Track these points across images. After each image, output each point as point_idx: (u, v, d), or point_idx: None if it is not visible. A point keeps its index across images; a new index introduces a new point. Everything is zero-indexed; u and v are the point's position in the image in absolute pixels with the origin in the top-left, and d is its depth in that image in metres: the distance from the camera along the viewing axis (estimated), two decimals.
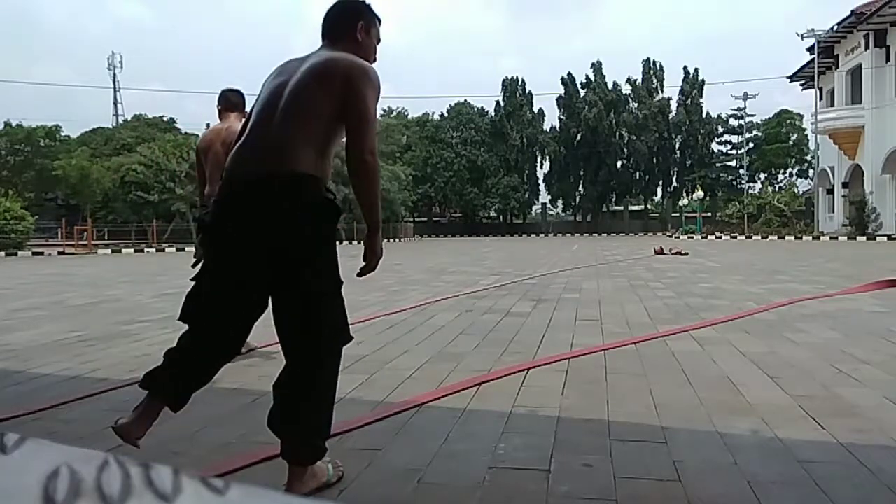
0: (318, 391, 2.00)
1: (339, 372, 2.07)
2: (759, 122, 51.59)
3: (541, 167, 56.41)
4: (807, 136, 45.88)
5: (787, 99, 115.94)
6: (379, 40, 2.23)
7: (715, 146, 53.89)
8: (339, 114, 1.96)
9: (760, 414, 2.67)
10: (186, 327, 2.10)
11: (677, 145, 54.26)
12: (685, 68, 53.58)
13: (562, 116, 54.92)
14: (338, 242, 2.09)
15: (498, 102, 54.78)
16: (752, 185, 49.02)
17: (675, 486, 1.97)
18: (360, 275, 2.14)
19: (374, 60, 2.17)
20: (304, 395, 1.98)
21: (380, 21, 2.23)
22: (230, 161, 2.03)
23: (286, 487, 1.95)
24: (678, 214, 47.12)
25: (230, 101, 4.39)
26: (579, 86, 54.45)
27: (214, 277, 2.03)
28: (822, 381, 3.22)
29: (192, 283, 2.15)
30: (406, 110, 55.08)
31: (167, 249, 28.36)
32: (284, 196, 1.89)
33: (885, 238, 26.97)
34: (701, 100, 53.24)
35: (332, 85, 1.95)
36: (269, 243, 1.91)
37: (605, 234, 48.51)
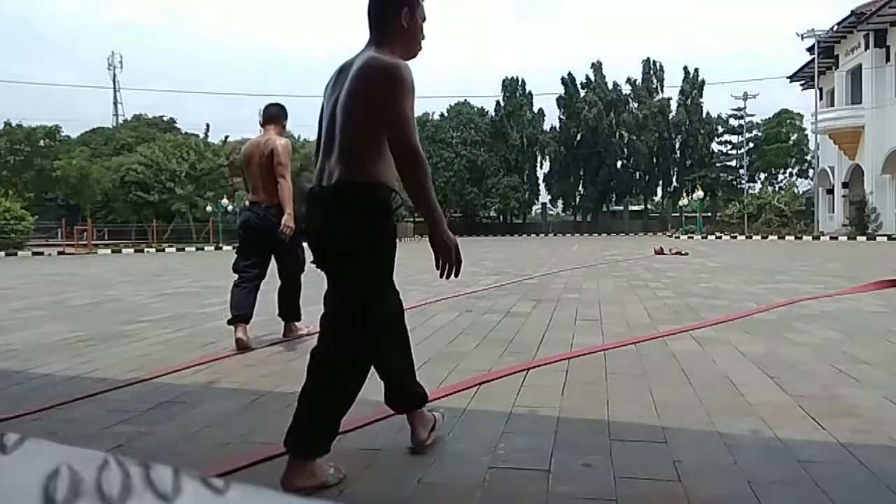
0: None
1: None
2: (759, 122, 51.60)
3: (541, 167, 56.42)
4: (807, 136, 45.90)
5: (787, 99, 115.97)
6: (424, 18, 2.26)
7: (715, 146, 53.88)
8: (375, 120, 2.03)
9: (760, 414, 2.67)
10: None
11: (677, 145, 54.24)
12: (685, 68, 53.59)
13: (562, 116, 54.91)
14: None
15: (498, 102, 54.79)
16: (752, 185, 49.01)
17: (675, 486, 1.97)
18: (441, 275, 2.08)
19: (423, 38, 2.25)
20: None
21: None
22: (315, 174, 2.20)
23: (282, 480, 1.99)
24: (678, 214, 47.10)
25: (270, 114, 4.72)
26: (579, 86, 54.43)
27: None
28: (822, 381, 3.22)
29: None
30: None
31: (167, 249, 28.35)
32: (339, 201, 2.02)
33: (885, 238, 26.96)
34: (701, 100, 53.21)
35: (364, 97, 2.03)
36: (330, 247, 2.08)
37: (605, 234, 48.51)
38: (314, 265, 2.24)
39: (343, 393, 2.14)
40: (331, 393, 2.12)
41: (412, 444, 2.32)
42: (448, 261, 2.05)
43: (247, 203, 4.87)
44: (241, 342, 4.27)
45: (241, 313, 4.38)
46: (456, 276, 2.08)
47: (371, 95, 2.02)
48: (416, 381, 2.36)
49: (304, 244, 2.29)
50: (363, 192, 2.03)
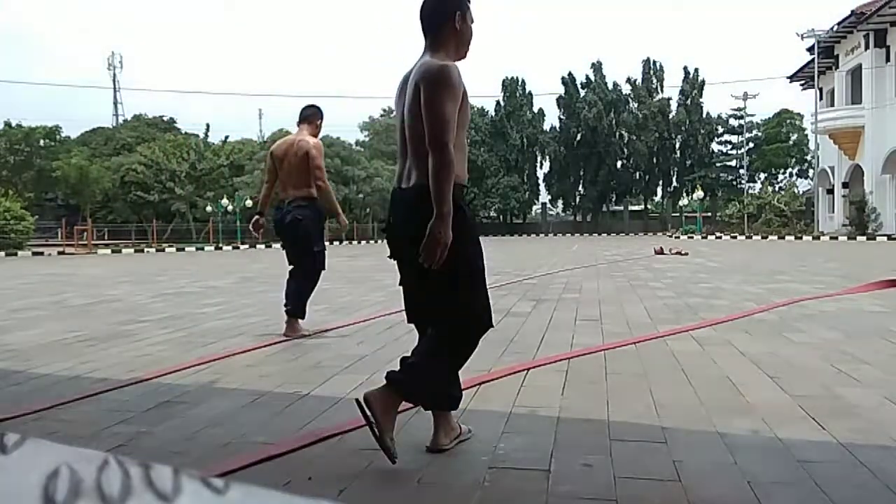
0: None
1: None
2: (759, 122, 51.56)
3: (541, 167, 56.40)
4: (807, 136, 45.84)
5: (787, 99, 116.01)
6: (473, 20, 2.39)
7: (715, 146, 53.87)
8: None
9: (760, 414, 2.67)
10: None
11: (677, 145, 54.23)
12: (685, 68, 53.59)
13: (562, 116, 54.90)
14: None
15: (498, 102, 54.76)
16: (752, 185, 48.98)
17: (675, 486, 1.97)
18: (421, 258, 2.17)
19: (471, 36, 2.38)
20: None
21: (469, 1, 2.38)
22: (395, 177, 2.43)
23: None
24: (678, 214, 47.12)
25: (303, 114, 4.97)
26: (579, 86, 54.42)
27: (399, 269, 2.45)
28: (822, 381, 3.22)
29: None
30: None
31: (167, 249, 28.35)
32: (418, 202, 2.19)
33: (885, 238, 26.96)
34: (701, 100, 53.21)
35: (419, 101, 2.21)
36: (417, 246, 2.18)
37: (605, 234, 48.51)
38: (390, 259, 2.43)
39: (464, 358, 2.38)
40: (459, 360, 2.38)
41: (429, 446, 2.30)
42: (432, 249, 2.13)
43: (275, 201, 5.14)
44: (289, 335, 4.69)
45: (287, 306, 4.79)
46: (428, 265, 2.16)
47: (421, 98, 2.19)
48: (458, 381, 2.40)
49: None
50: None
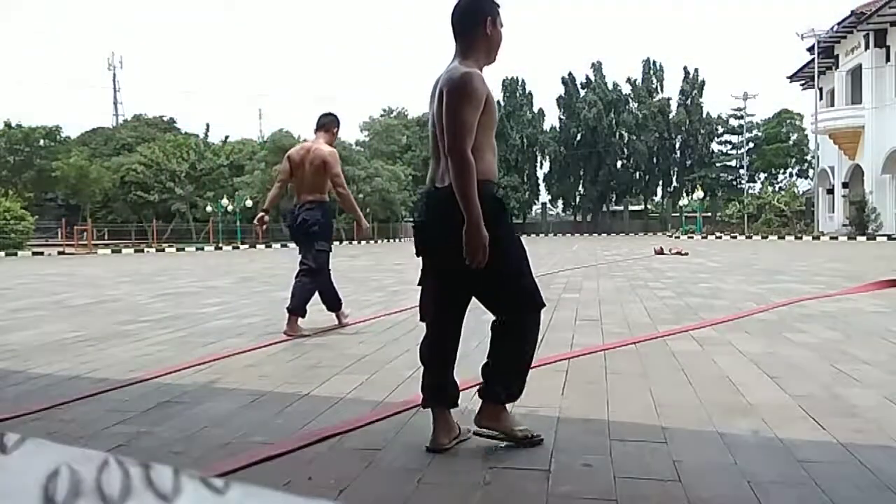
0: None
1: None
2: (759, 122, 51.56)
3: (541, 167, 56.39)
4: (807, 136, 45.80)
5: (787, 99, 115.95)
6: (502, 25, 2.44)
7: (715, 146, 53.87)
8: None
9: (760, 414, 2.67)
10: None
11: (677, 145, 54.25)
12: (685, 68, 53.63)
13: (562, 116, 54.90)
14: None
15: (498, 102, 54.49)
16: (752, 185, 48.99)
17: (675, 486, 1.97)
18: (468, 262, 2.23)
19: (501, 40, 2.44)
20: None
21: (499, 5, 2.43)
22: (428, 177, 2.49)
23: (479, 424, 2.36)
24: (678, 214, 47.10)
25: (320, 122, 5.15)
26: (579, 86, 54.44)
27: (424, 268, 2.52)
28: (822, 381, 3.22)
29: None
30: (406, 110, 54.99)
31: (167, 249, 28.34)
32: (454, 201, 2.23)
33: (885, 238, 26.96)
34: (701, 100, 53.24)
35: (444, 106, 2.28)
36: (453, 244, 2.25)
37: (605, 234, 48.52)
38: (417, 255, 2.47)
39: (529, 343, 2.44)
40: (534, 345, 2.46)
41: (429, 445, 2.31)
42: (473, 253, 2.20)
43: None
44: (288, 333, 4.75)
45: (290, 305, 4.87)
46: (477, 267, 2.22)
47: (444, 102, 2.26)
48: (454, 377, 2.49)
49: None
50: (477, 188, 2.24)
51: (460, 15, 2.39)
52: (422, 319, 2.52)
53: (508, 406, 2.42)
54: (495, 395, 2.35)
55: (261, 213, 5.25)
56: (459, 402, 2.47)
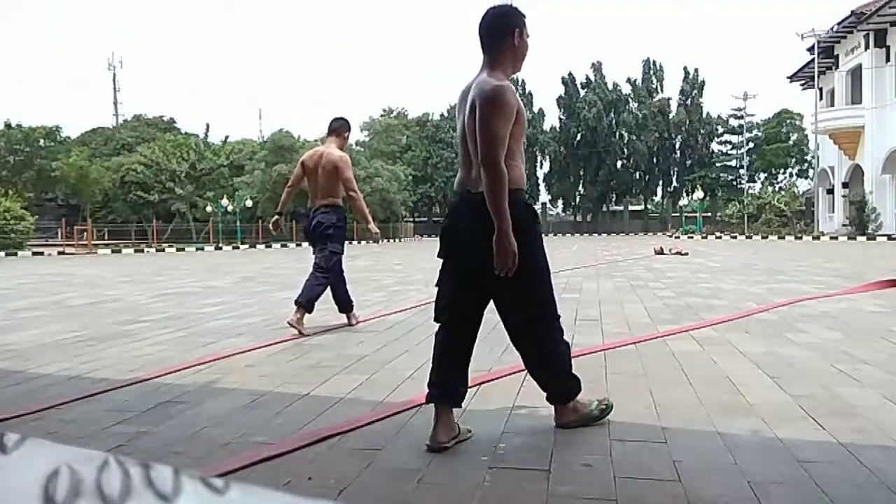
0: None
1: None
2: (759, 122, 51.57)
3: (541, 167, 56.37)
4: (807, 136, 45.81)
5: (787, 99, 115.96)
6: (528, 35, 2.51)
7: (715, 146, 53.88)
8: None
9: (760, 414, 2.67)
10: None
11: (677, 145, 54.25)
12: (685, 68, 53.62)
13: (562, 116, 54.89)
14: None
15: None
16: (752, 185, 49.01)
17: (675, 486, 1.97)
18: (496, 272, 2.31)
19: (527, 50, 2.51)
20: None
21: (525, 16, 2.50)
22: (455, 184, 2.58)
23: (560, 423, 2.53)
24: (678, 214, 47.12)
25: (331, 126, 5.31)
26: (579, 86, 54.43)
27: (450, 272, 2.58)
28: (822, 381, 3.22)
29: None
30: (406, 110, 55.00)
31: (167, 249, 28.34)
32: (482, 206, 2.31)
33: (885, 238, 26.96)
34: (701, 100, 53.23)
35: (475, 117, 2.34)
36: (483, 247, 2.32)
37: (605, 234, 48.52)
38: (440, 258, 2.54)
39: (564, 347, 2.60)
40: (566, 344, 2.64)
41: (429, 443, 2.32)
42: (503, 261, 2.28)
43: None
44: (291, 323, 4.83)
45: (298, 298, 4.98)
46: (508, 275, 2.30)
47: (476, 114, 2.32)
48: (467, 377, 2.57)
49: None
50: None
51: (489, 27, 2.44)
52: (437, 320, 2.55)
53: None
54: (559, 399, 2.54)
55: (275, 217, 5.43)
56: (452, 415, 2.46)
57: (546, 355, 2.54)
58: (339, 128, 5.28)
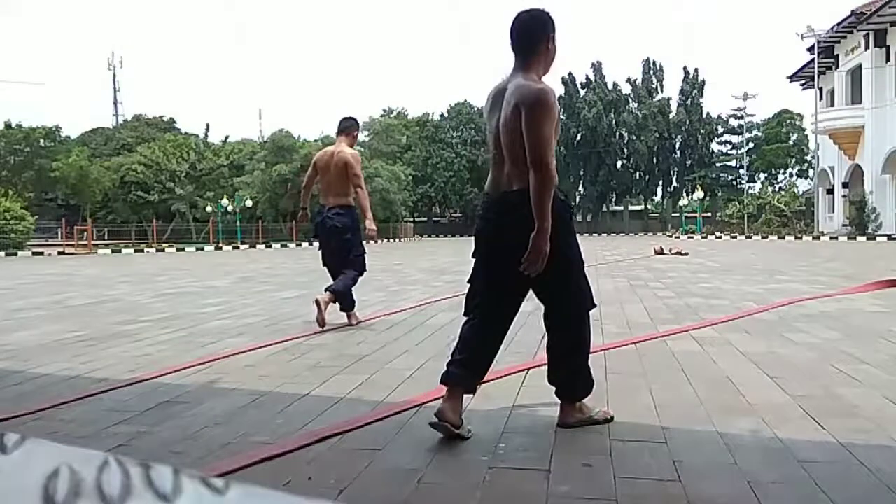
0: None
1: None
2: (759, 122, 51.54)
3: None
4: (807, 136, 45.78)
5: (787, 99, 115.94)
6: (556, 40, 2.58)
7: (715, 146, 53.81)
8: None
9: (760, 414, 2.67)
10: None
11: (677, 145, 54.20)
12: (685, 68, 53.56)
13: (562, 116, 54.67)
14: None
15: None
16: (752, 185, 48.96)
17: (675, 486, 1.97)
18: (524, 268, 2.37)
19: (556, 55, 2.58)
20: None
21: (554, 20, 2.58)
22: (488, 184, 2.64)
23: (562, 422, 2.55)
24: (678, 214, 47.08)
25: (341, 126, 5.46)
26: (579, 86, 54.41)
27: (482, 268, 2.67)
28: (822, 381, 3.22)
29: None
30: (406, 110, 54.98)
31: (167, 249, 28.34)
32: (521, 205, 2.39)
33: (885, 238, 26.95)
34: (701, 100, 53.18)
35: (518, 119, 2.39)
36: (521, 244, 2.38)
37: (605, 234, 48.50)
38: (473, 257, 2.64)
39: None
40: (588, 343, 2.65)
41: (435, 415, 2.37)
42: (534, 260, 2.34)
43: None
44: (318, 301, 5.02)
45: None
46: (532, 275, 2.39)
47: (524, 117, 2.37)
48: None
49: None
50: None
51: (524, 32, 2.50)
52: (466, 314, 2.63)
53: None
54: (569, 395, 2.57)
55: (301, 212, 5.86)
56: (461, 402, 2.48)
57: (566, 352, 2.59)
58: (348, 127, 5.43)
